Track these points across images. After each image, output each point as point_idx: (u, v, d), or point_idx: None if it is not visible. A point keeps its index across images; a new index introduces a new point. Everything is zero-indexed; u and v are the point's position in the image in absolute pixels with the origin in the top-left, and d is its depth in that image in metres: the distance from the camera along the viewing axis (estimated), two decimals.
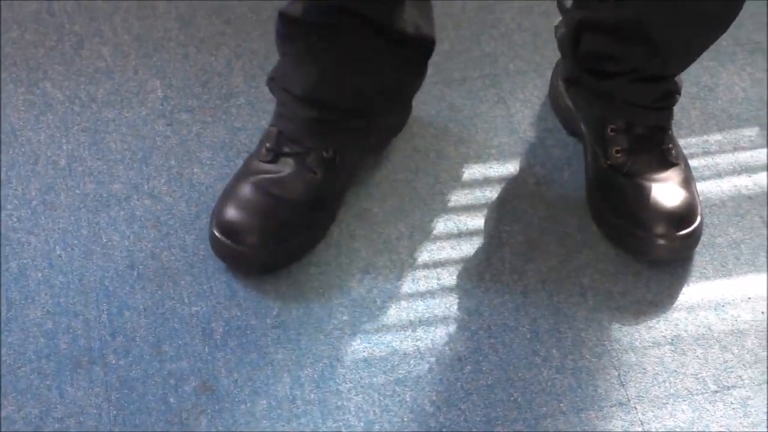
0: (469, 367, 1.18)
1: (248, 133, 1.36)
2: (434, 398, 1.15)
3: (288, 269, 1.24)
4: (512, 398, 1.15)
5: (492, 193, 1.32)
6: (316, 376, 1.16)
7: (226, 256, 1.21)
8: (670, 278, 1.25)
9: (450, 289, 1.24)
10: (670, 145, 1.26)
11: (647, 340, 1.20)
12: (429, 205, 1.30)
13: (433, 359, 1.18)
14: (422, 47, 1.21)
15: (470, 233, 1.29)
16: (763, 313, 1.22)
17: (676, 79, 1.26)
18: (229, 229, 1.20)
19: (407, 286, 1.24)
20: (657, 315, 1.22)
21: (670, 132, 1.27)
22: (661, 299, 1.23)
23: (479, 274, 1.25)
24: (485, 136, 1.36)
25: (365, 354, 1.18)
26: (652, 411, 1.14)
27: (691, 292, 1.24)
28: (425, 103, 1.38)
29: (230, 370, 1.17)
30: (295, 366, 1.17)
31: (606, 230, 1.26)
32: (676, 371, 1.17)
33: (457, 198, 1.31)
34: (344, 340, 1.19)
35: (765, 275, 1.25)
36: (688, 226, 1.22)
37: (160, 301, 1.21)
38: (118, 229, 1.27)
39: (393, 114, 1.29)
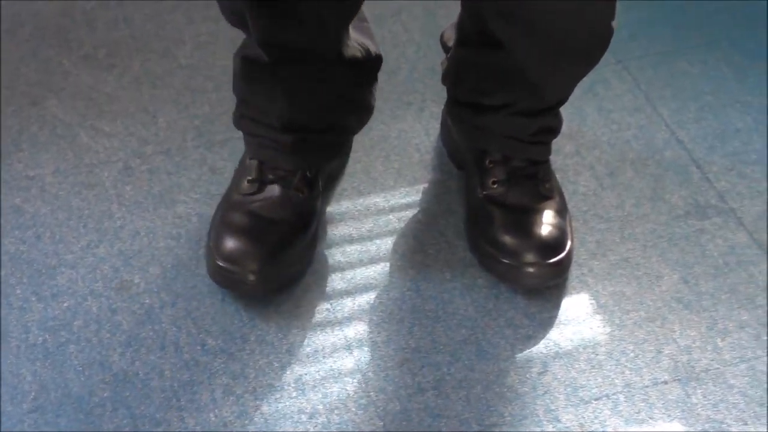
0: None
1: None
2: None
3: (46, 347, 1.21)
4: None
5: None
6: None
7: (230, 284, 1.25)
8: (432, 324, 1.26)
9: (214, 354, 1.22)
10: (545, 179, 1.31)
11: (411, 387, 1.21)
12: (191, 270, 1.29)
13: (198, 428, 1.16)
14: (372, 62, 1.30)
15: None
16: (521, 349, 1.24)
17: (558, 114, 1.30)
18: (231, 257, 1.23)
19: (170, 355, 1.22)
20: (420, 361, 1.23)
21: (546, 166, 1.32)
22: (423, 344, 1.24)
23: (243, 336, 1.24)
24: None
25: (128, 429, 1.16)
26: None
27: (452, 335, 1.25)
28: None
29: None
30: None
31: (479, 257, 1.30)
32: (439, 415, 1.18)
33: None
34: (106, 417, 1.17)
35: (521, 312, 1.28)
36: (557, 255, 1.26)
37: None
38: None
39: (355, 117, 1.34)
